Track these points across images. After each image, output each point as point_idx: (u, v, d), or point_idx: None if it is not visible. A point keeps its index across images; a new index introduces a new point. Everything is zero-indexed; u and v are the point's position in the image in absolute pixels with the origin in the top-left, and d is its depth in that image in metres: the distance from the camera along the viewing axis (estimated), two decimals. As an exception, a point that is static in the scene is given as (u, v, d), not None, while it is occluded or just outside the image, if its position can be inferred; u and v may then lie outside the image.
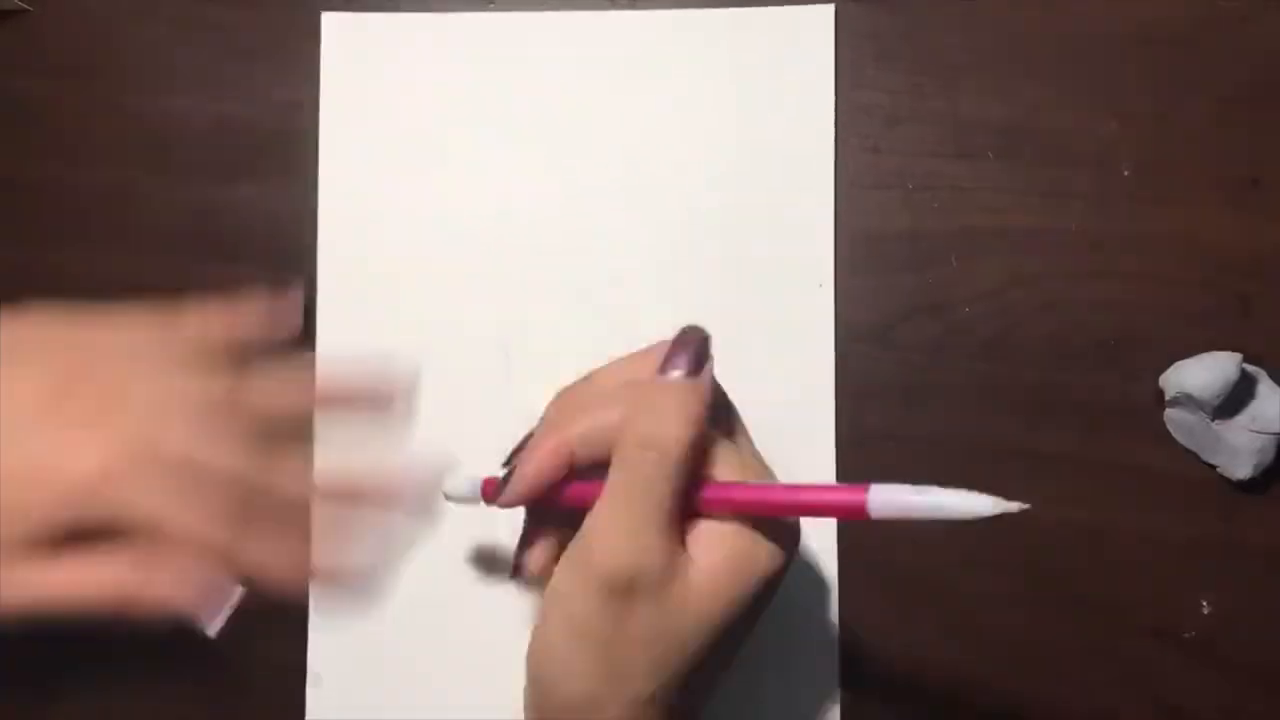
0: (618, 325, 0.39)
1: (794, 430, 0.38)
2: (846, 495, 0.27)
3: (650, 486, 0.28)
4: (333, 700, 0.39)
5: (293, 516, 0.33)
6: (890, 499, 0.26)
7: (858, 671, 0.38)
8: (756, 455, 0.31)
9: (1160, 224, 0.39)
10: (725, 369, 0.30)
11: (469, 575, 0.39)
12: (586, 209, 0.40)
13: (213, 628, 0.31)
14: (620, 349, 0.31)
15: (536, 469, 0.30)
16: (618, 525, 0.28)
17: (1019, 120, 0.39)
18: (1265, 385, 0.38)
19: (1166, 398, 0.38)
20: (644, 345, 0.30)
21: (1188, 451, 0.38)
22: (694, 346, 0.29)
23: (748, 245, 0.40)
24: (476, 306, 0.40)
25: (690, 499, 0.28)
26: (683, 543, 0.28)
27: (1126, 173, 0.39)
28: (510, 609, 0.38)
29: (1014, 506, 0.24)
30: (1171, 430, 0.38)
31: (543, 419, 0.31)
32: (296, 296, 0.39)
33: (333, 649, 0.39)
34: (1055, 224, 0.39)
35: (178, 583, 0.32)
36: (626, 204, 0.40)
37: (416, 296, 0.40)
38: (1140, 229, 0.39)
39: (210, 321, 0.36)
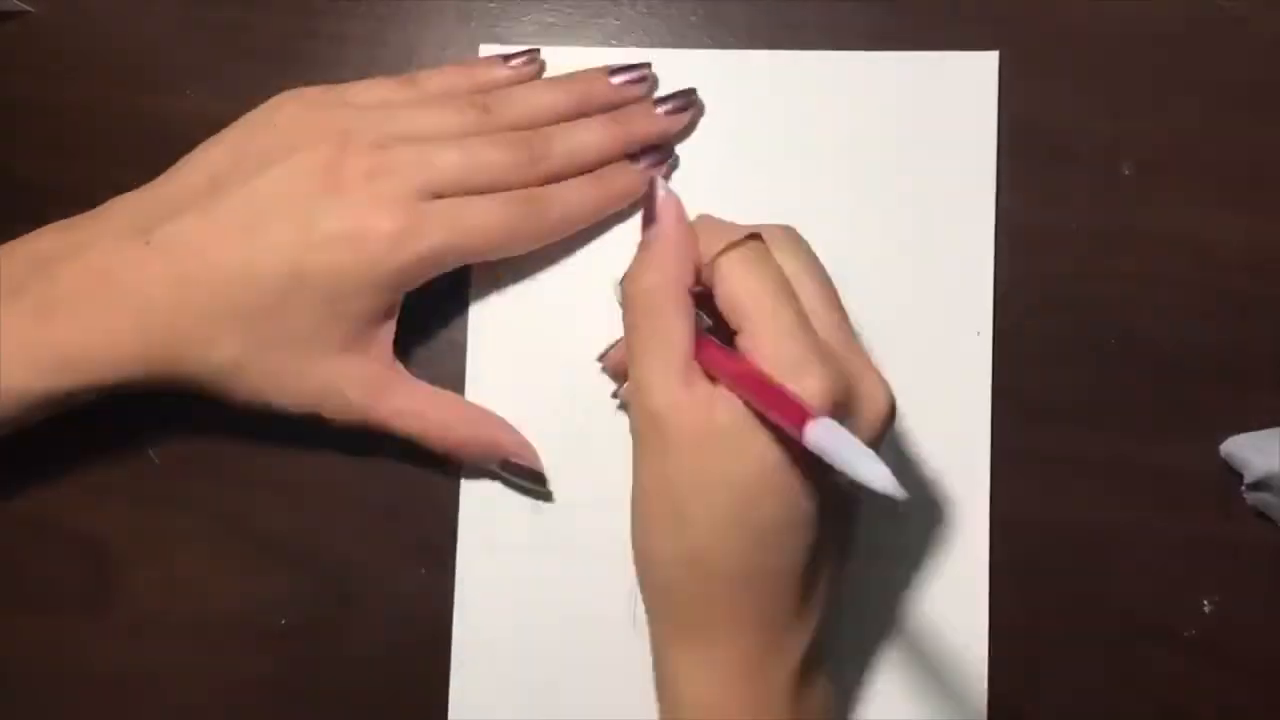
0: None
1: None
2: (791, 410, 0.27)
3: (629, 336, 0.32)
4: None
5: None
6: (824, 435, 0.26)
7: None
8: (801, 271, 0.32)
9: (1160, 224, 0.39)
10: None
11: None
12: None
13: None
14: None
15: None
16: (634, 368, 0.31)
17: (1019, 120, 0.39)
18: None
19: (1245, 481, 0.37)
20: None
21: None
22: (646, 203, 0.33)
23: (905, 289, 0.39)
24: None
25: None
26: (704, 389, 0.30)
27: (1127, 173, 0.39)
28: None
29: (899, 494, 0.25)
30: (1265, 510, 0.38)
31: None
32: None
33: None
34: (1055, 224, 0.39)
35: (493, 439, 0.38)
36: None
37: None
38: (1140, 229, 0.39)
39: (451, 75, 0.39)
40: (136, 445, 0.40)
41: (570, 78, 0.39)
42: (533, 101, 0.38)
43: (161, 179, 0.37)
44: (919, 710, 0.38)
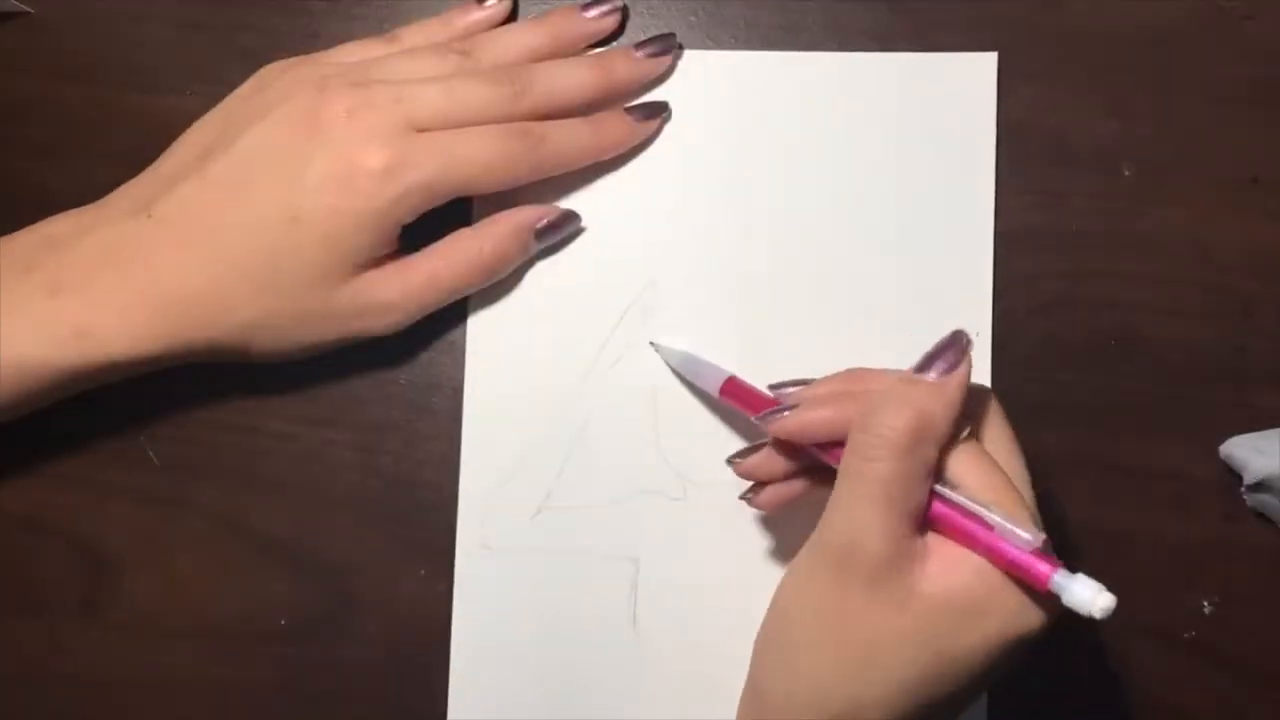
0: (759, 373, 0.37)
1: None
2: (1034, 564, 0.28)
3: (865, 467, 0.29)
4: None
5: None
6: (1079, 594, 0.27)
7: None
8: (1016, 468, 0.31)
9: (1160, 224, 0.39)
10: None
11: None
12: (735, 250, 0.39)
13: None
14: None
15: (826, 414, 0.32)
16: (839, 501, 0.30)
17: (1019, 120, 0.39)
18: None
19: (1245, 482, 0.37)
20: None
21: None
22: (949, 349, 0.31)
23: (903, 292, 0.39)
24: (628, 352, 0.40)
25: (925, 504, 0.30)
26: (916, 539, 0.29)
27: (1127, 173, 0.39)
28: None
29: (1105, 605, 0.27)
30: (1264, 511, 0.38)
31: (823, 379, 0.34)
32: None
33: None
34: (1055, 224, 0.39)
35: (513, 222, 0.38)
36: (777, 246, 0.39)
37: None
38: (1140, 229, 0.39)
39: (429, 27, 0.40)
40: (136, 445, 0.40)
41: (544, 16, 0.40)
42: (510, 42, 0.39)
43: (159, 160, 0.38)
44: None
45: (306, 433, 0.40)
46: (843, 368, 0.34)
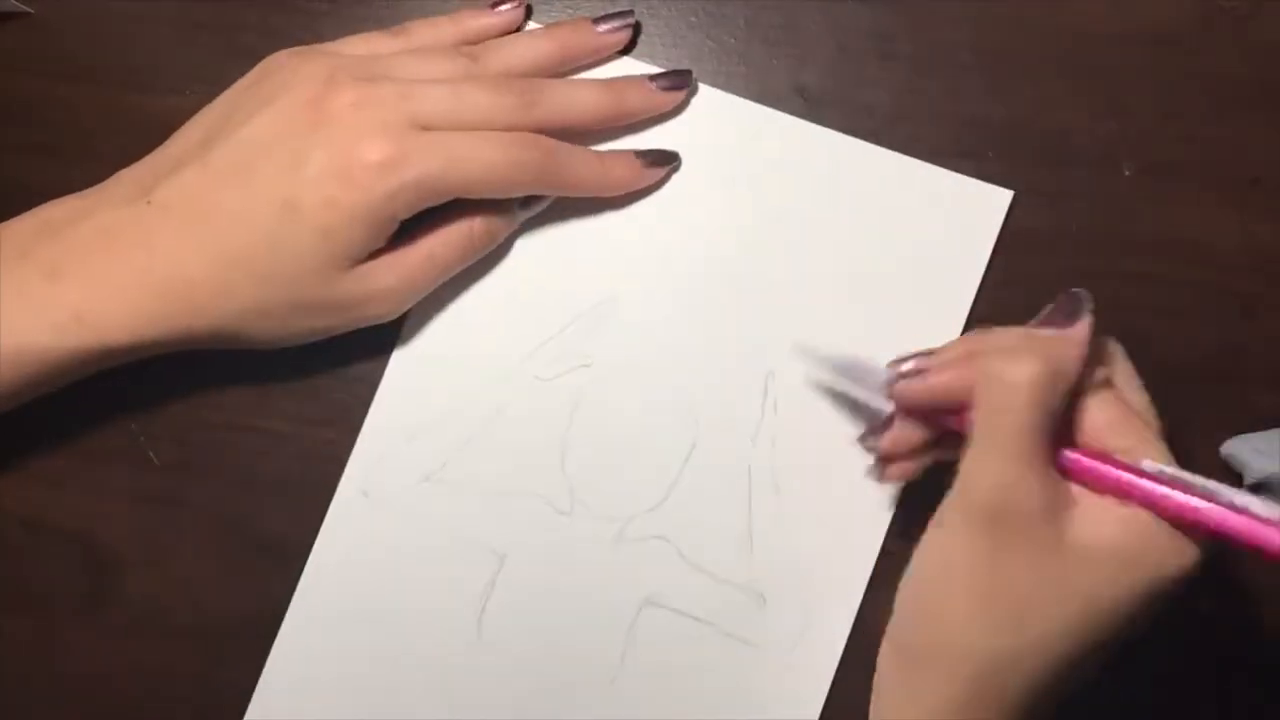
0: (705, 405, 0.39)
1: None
2: (1261, 531, 0.28)
3: (1002, 420, 0.30)
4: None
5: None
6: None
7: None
8: (1142, 405, 0.32)
9: (1160, 224, 0.39)
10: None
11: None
12: (703, 286, 0.39)
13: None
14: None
15: (953, 376, 0.32)
16: (978, 457, 0.30)
17: (1019, 120, 0.39)
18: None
19: (1245, 482, 0.37)
20: None
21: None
22: (1065, 304, 0.32)
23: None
24: (565, 356, 0.40)
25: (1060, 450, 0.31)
26: (1062, 486, 0.30)
27: (1127, 173, 0.39)
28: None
29: None
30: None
31: (946, 345, 0.33)
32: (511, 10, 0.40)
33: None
34: (1055, 224, 0.39)
35: (503, 211, 0.38)
36: (745, 295, 0.39)
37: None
38: (1140, 229, 0.39)
39: (439, 25, 0.39)
40: (136, 445, 0.40)
41: (555, 27, 0.39)
42: (520, 50, 0.39)
43: (160, 147, 0.38)
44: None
45: (306, 433, 0.40)
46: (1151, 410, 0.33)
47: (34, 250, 0.35)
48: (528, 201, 0.39)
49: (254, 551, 0.40)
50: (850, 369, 0.36)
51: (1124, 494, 0.30)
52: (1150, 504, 0.30)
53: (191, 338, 0.36)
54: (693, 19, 0.41)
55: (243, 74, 0.39)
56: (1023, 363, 0.30)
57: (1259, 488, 0.37)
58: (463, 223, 0.38)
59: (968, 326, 0.39)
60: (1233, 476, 0.38)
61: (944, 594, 0.31)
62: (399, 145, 0.35)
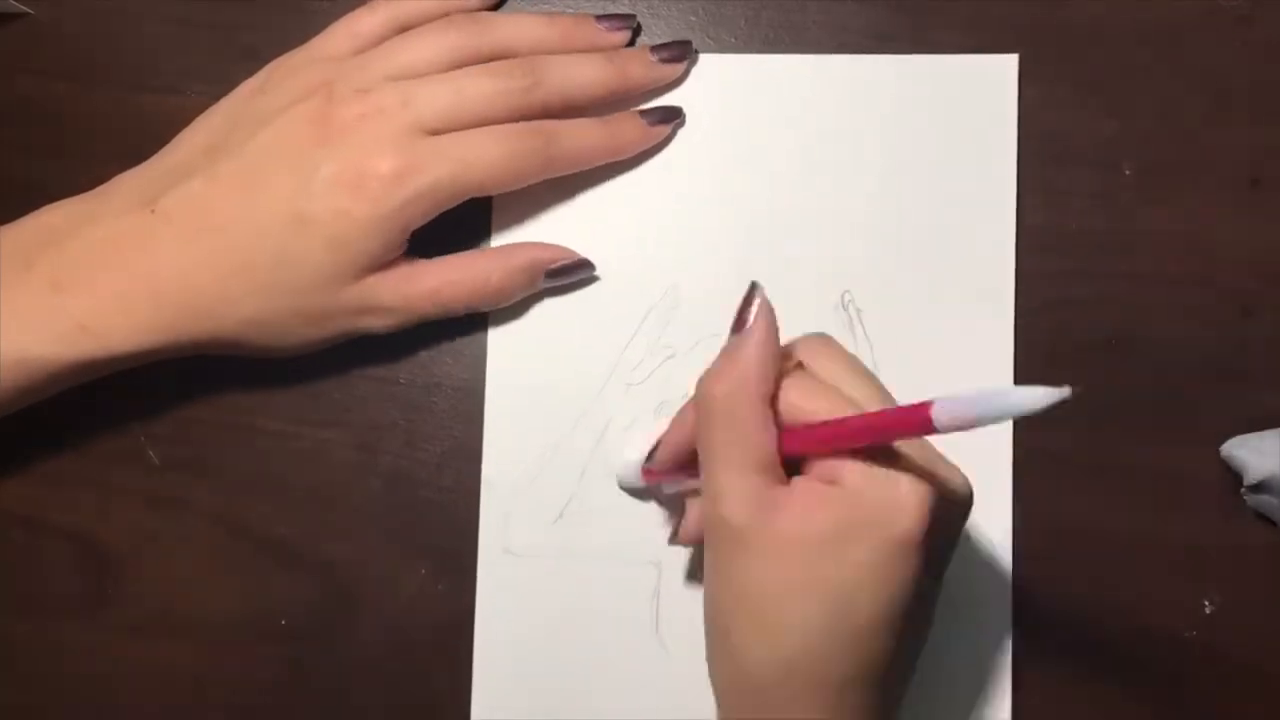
0: None
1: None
2: (910, 413, 0.27)
3: (702, 438, 0.30)
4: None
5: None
6: (953, 410, 0.26)
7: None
8: (845, 371, 0.31)
9: (1160, 224, 0.39)
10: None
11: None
12: (754, 252, 0.39)
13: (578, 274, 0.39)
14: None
15: (673, 438, 0.34)
16: (704, 477, 0.31)
17: (1019, 120, 0.39)
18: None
19: (1245, 483, 0.37)
20: None
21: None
22: (740, 304, 0.31)
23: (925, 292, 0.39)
24: (648, 357, 0.40)
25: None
26: (776, 488, 0.30)
27: (1127, 172, 0.39)
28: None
29: (1065, 392, 0.24)
30: (1264, 512, 0.38)
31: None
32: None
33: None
34: (1055, 224, 0.39)
35: (528, 257, 0.38)
36: (796, 248, 0.39)
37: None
38: (1140, 229, 0.39)
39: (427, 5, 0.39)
40: (136, 445, 0.40)
41: (559, 16, 0.39)
42: (520, 29, 0.38)
43: (161, 153, 0.38)
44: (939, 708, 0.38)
45: (306, 433, 0.40)
46: (862, 369, 0.32)
47: (36, 260, 0.35)
48: (556, 274, 0.38)
49: (254, 551, 0.40)
50: (627, 477, 0.38)
51: (827, 452, 0.30)
52: (840, 448, 0.29)
53: (193, 345, 0.37)
54: (692, 18, 0.41)
55: (243, 74, 0.39)
56: (707, 379, 0.30)
57: (1259, 488, 0.37)
58: (480, 270, 0.38)
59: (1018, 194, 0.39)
60: (1233, 477, 0.38)
61: (719, 621, 0.31)
62: (406, 155, 0.35)
